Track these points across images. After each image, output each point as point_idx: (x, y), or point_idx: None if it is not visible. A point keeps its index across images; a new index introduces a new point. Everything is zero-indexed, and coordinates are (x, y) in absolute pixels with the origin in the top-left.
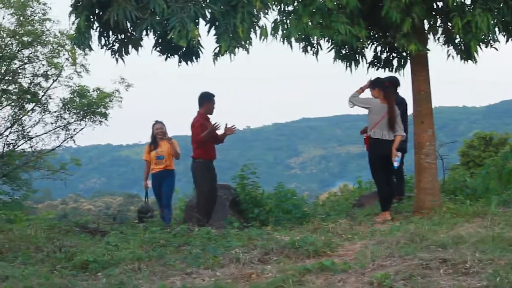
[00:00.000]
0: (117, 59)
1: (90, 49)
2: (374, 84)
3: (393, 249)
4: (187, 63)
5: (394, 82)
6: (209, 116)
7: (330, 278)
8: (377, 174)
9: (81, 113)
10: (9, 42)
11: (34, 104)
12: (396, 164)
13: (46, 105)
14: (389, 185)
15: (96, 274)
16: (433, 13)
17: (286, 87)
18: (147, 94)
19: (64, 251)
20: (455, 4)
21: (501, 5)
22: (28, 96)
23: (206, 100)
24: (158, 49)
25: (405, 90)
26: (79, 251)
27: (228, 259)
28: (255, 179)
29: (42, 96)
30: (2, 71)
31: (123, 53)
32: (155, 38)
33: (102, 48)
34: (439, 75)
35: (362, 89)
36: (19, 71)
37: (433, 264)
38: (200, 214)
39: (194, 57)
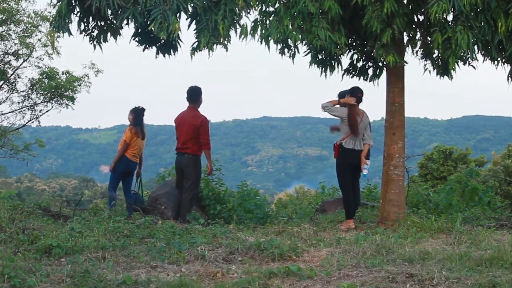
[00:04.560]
0: (94, 46)
1: (70, 33)
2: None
3: (359, 259)
4: (164, 56)
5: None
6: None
7: (296, 284)
8: (345, 183)
9: (49, 95)
10: None
11: (2, 82)
12: (365, 172)
13: (14, 84)
14: (354, 193)
15: (59, 260)
16: (413, 26)
17: (248, 84)
18: (116, 81)
19: (27, 234)
20: (437, 19)
21: (482, 24)
22: None
23: (200, 95)
24: (137, 39)
25: (379, 101)
26: (43, 235)
27: (193, 255)
28: (219, 176)
29: (11, 74)
30: None
31: (101, 40)
32: (135, 28)
33: (81, 33)
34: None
35: (339, 102)
36: None
37: (399, 278)
38: (185, 210)
39: (172, 50)
